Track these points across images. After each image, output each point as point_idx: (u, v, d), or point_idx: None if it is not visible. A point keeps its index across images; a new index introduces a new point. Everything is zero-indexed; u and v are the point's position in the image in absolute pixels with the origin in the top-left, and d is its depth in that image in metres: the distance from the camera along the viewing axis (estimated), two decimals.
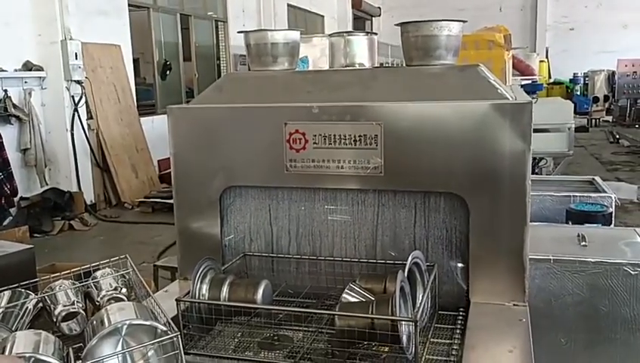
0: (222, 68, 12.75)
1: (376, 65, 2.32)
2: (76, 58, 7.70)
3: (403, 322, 1.61)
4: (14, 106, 7.17)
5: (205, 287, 1.82)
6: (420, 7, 19.19)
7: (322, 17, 18.24)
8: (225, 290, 1.82)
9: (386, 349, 1.70)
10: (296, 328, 1.89)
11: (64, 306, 1.76)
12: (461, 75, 2.03)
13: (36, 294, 1.84)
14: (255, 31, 2.25)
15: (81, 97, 7.90)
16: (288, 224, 2.22)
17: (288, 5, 15.32)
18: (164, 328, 1.35)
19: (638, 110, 16.30)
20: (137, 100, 9.41)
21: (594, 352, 2.49)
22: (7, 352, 1.32)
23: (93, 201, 8.16)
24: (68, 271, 1.95)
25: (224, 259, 2.23)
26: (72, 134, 7.79)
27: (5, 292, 1.80)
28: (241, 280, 1.90)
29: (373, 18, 22.77)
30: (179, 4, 11.34)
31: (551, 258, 2.53)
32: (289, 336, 1.84)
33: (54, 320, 1.74)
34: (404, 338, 1.62)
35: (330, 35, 2.31)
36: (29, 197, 7.41)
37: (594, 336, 2.47)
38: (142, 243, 6.70)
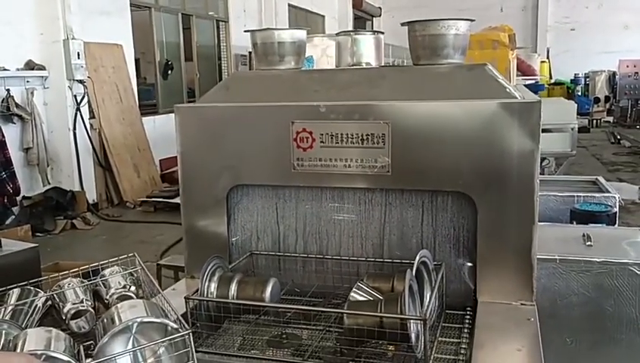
0: (223, 68, 12.76)
1: (382, 64, 2.32)
2: (79, 58, 7.71)
3: (412, 321, 1.61)
4: (17, 105, 7.18)
5: (213, 285, 1.83)
6: (421, 8, 19.16)
7: (323, 17, 18.24)
8: (233, 287, 1.83)
9: (394, 347, 1.70)
10: (304, 327, 1.89)
11: (73, 304, 1.76)
12: (468, 74, 2.03)
13: (43, 292, 1.84)
14: (262, 30, 2.26)
15: (83, 97, 7.91)
16: (295, 222, 2.22)
17: (289, 5, 15.33)
18: (175, 326, 1.35)
19: (639, 110, 16.30)
20: (138, 100, 9.42)
21: (599, 352, 2.49)
22: (18, 349, 1.32)
23: (95, 200, 8.17)
24: (76, 269, 1.95)
25: (231, 257, 2.24)
26: (74, 134, 7.80)
27: (14, 290, 1.80)
28: (249, 279, 1.90)
29: (374, 18, 22.77)
30: (181, 3, 11.34)
31: (557, 258, 2.53)
32: (297, 335, 1.84)
33: (63, 318, 1.74)
34: (413, 337, 1.62)
35: (337, 34, 2.31)
36: (32, 196, 7.41)
37: (599, 336, 2.47)
38: (144, 242, 6.71)
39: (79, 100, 7.84)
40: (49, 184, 7.62)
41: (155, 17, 10.39)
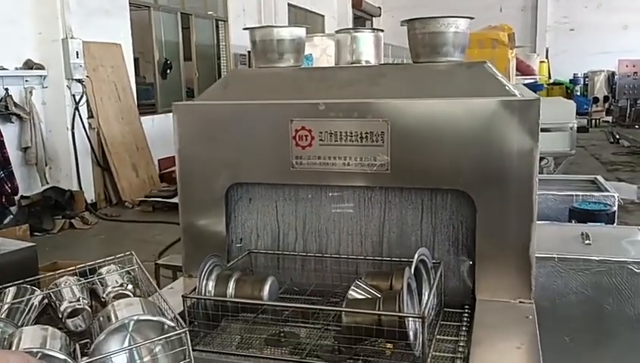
0: (222, 67, 12.74)
1: (382, 62, 2.31)
2: (77, 57, 7.70)
3: (410, 319, 1.60)
4: (15, 104, 7.16)
5: (211, 284, 1.82)
6: (421, 7, 19.14)
7: (323, 16, 18.23)
8: (231, 286, 1.82)
9: (392, 345, 1.69)
10: (303, 325, 1.88)
11: (70, 302, 1.75)
12: (468, 72, 2.02)
13: (40, 291, 1.83)
14: (261, 27, 2.25)
15: (82, 96, 7.90)
16: (295, 221, 2.21)
17: (289, 5, 15.32)
18: (172, 324, 1.34)
19: (638, 110, 16.32)
20: (137, 100, 9.41)
21: (598, 351, 2.49)
22: (14, 347, 1.31)
23: (94, 200, 8.16)
24: (73, 268, 1.94)
25: (230, 256, 2.23)
26: (72, 133, 7.78)
27: (10, 288, 1.79)
28: (247, 277, 1.89)
29: (373, 18, 22.77)
30: (180, 3, 11.33)
31: (555, 256, 2.52)
32: (295, 333, 1.83)
33: (60, 316, 1.73)
34: (411, 335, 1.61)
35: (337, 32, 2.30)
36: (30, 195, 7.40)
37: (598, 334, 2.47)
38: (143, 241, 6.69)
39: (77, 100, 7.83)
40: (47, 183, 7.61)
41: (154, 17, 10.38)
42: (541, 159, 7.08)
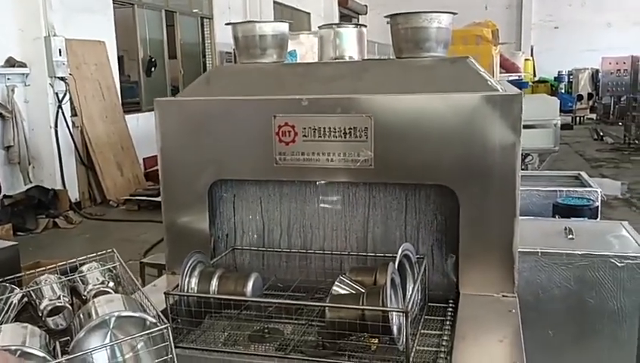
0: (207, 65, 12.66)
1: (365, 58, 2.31)
2: (60, 55, 7.60)
3: (394, 313, 1.60)
4: None
5: (194, 281, 1.80)
6: (407, 3, 19.21)
7: (309, 14, 18.20)
8: (214, 283, 1.81)
9: (377, 340, 1.69)
10: (287, 321, 1.87)
11: (50, 300, 1.73)
12: (451, 67, 2.02)
13: (21, 289, 1.81)
14: (243, 23, 2.23)
15: (65, 94, 7.79)
16: (279, 217, 2.21)
17: (274, 2, 15.27)
18: (153, 320, 1.33)
19: (621, 107, 16.47)
20: (122, 98, 9.31)
21: (581, 344, 2.51)
22: None
23: (78, 199, 8.06)
24: (53, 266, 1.92)
25: (215, 253, 2.22)
26: (56, 132, 7.68)
27: None
28: (231, 274, 1.88)
29: (359, 16, 22.77)
30: (164, 0, 11.24)
31: (539, 251, 2.54)
32: (279, 329, 1.82)
33: (40, 314, 1.71)
34: (395, 329, 1.61)
35: (320, 28, 2.29)
36: (13, 194, 7.30)
37: (581, 328, 2.49)
38: (128, 240, 6.63)
39: (60, 98, 7.73)
40: (31, 182, 7.50)
41: (138, 14, 10.28)
42: (526, 155, 7.17)
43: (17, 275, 1.89)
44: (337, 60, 2.23)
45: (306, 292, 2.08)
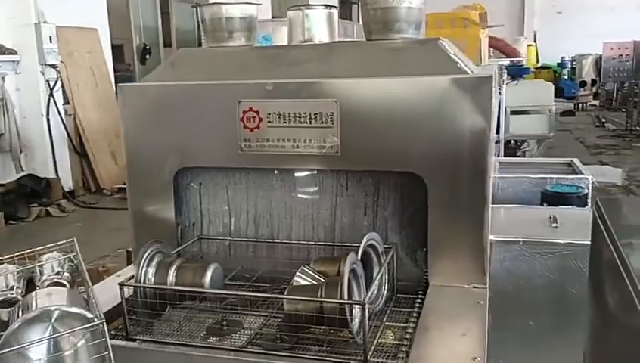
0: None
1: (336, 40, 2.23)
2: (51, 42, 7.52)
3: (356, 305, 1.55)
4: None
5: (151, 271, 1.75)
6: None
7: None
8: (172, 273, 1.75)
9: (337, 333, 1.64)
10: (248, 312, 1.82)
11: (1, 292, 1.67)
12: (420, 49, 1.95)
13: None
14: (209, 5, 2.16)
15: (56, 82, 7.73)
16: (246, 205, 2.15)
17: None
18: (90, 315, 1.27)
19: (624, 93, 16.26)
20: (116, 86, 9.23)
21: (563, 335, 2.45)
22: None
23: (71, 187, 8.03)
24: (10, 256, 1.86)
25: (182, 242, 2.16)
26: (48, 120, 7.63)
27: None
28: (189, 264, 1.82)
29: (360, 3, 22.51)
30: None
31: (520, 240, 2.48)
32: (238, 321, 1.77)
33: None
34: (356, 322, 1.56)
35: (289, 9, 2.21)
36: (5, 183, 7.27)
37: (563, 319, 2.43)
38: (120, 229, 6.59)
39: (52, 86, 7.66)
40: (23, 171, 7.47)
41: (132, 1, 10.18)
42: (522, 142, 7.06)
43: None
44: (305, 44, 2.16)
45: (271, 282, 2.03)
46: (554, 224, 2.64)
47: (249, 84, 1.98)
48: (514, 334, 2.50)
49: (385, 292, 1.85)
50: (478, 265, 1.87)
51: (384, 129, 1.86)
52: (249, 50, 2.17)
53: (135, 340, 1.67)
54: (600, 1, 21.27)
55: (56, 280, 1.73)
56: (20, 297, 1.69)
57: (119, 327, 1.74)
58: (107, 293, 1.86)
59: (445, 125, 1.81)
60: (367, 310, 1.50)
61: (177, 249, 2.01)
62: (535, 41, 21.00)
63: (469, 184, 1.82)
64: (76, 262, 1.87)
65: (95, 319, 1.26)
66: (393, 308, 1.86)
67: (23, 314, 1.33)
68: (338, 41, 2.20)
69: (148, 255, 1.76)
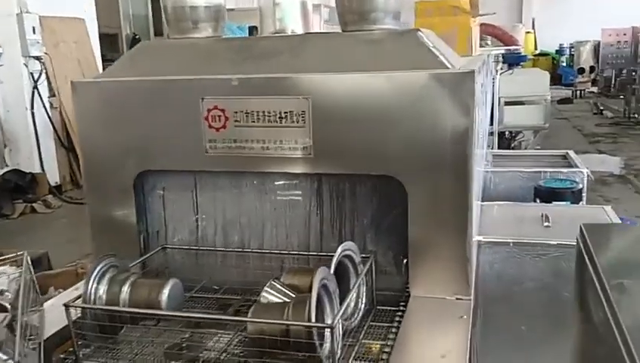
0: None
1: (310, 31, 2.06)
2: (34, 33, 7.31)
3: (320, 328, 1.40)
4: None
5: (102, 289, 1.59)
6: None
7: None
8: (125, 290, 1.59)
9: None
10: (213, 331, 1.67)
11: None
12: (398, 41, 1.78)
13: None
14: None
15: (40, 74, 7.52)
16: (214, 212, 1.99)
17: None
18: (4, 357, 1.12)
19: (623, 80, 16.06)
20: None
21: (556, 340, 2.34)
22: None
23: (58, 182, 7.85)
24: None
25: (145, 252, 2.00)
26: (32, 113, 7.44)
27: None
28: (146, 280, 1.66)
29: None
30: None
31: (511, 241, 2.36)
32: (200, 344, 1.61)
33: None
34: (327, 345, 1.41)
35: None
36: None
37: (556, 323, 2.31)
38: None
39: (36, 78, 7.46)
40: (7, 166, 7.29)
41: None
42: (517, 133, 6.90)
43: None
44: (276, 35, 1.99)
45: (241, 294, 1.88)
46: (546, 224, 2.52)
47: (213, 79, 1.81)
48: (505, 340, 2.39)
49: (362, 306, 1.70)
50: (461, 274, 1.72)
51: (360, 129, 1.70)
52: (214, 42, 2.01)
53: None
54: None
55: None
56: None
57: (70, 350, 1.59)
58: (61, 310, 1.70)
59: (424, 124, 1.65)
60: (337, 333, 1.35)
61: (138, 261, 1.86)
62: (533, 28, 20.76)
63: (451, 187, 1.67)
64: (30, 276, 1.72)
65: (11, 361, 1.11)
66: (371, 323, 1.71)
67: None
68: (311, 33, 2.03)
69: (99, 271, 1.61)
